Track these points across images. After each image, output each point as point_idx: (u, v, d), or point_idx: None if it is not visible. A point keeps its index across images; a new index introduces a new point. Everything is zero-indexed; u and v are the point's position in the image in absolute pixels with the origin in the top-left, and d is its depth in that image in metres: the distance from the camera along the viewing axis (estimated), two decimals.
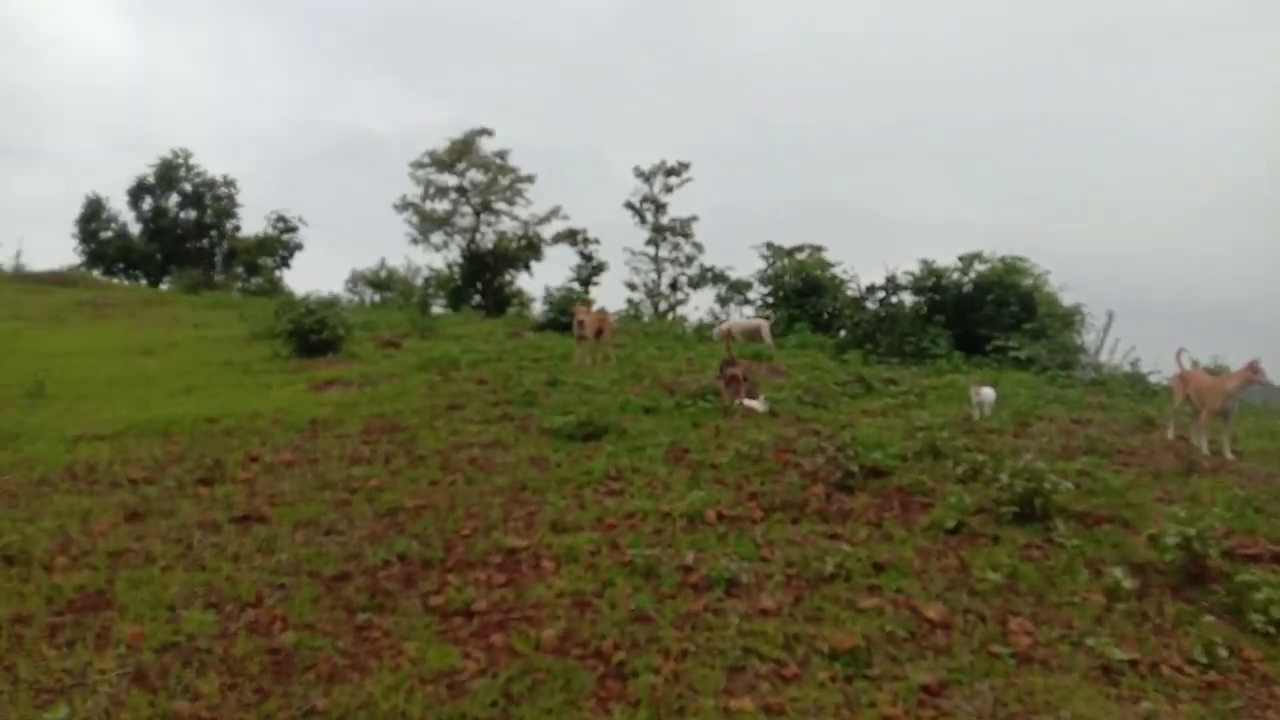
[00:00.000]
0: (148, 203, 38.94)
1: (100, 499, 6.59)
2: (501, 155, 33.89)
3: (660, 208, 33.78)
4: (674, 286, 33.77)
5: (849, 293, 21.82)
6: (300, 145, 76.42)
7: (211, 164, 43.00)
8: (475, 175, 33.98)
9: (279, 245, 38.89)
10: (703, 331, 20.72)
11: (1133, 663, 4.17)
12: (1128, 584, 4.95)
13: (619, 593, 4.86)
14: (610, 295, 41.29)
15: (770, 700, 3.80)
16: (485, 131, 33.68)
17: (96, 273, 38.03)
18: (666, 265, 33.84)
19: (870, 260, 42.96)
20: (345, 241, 66.80)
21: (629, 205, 33.80)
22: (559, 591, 4.91)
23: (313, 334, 15.43)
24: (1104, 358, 16.75)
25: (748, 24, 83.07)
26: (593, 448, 8.03)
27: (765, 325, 18.38)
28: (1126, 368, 16.07)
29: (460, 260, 34.64)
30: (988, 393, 9.96)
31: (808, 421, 9.39)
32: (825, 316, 21.72)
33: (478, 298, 34.14)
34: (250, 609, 4.70)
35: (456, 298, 34.03)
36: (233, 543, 5.64)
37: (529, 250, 34.64)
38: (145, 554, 5.42)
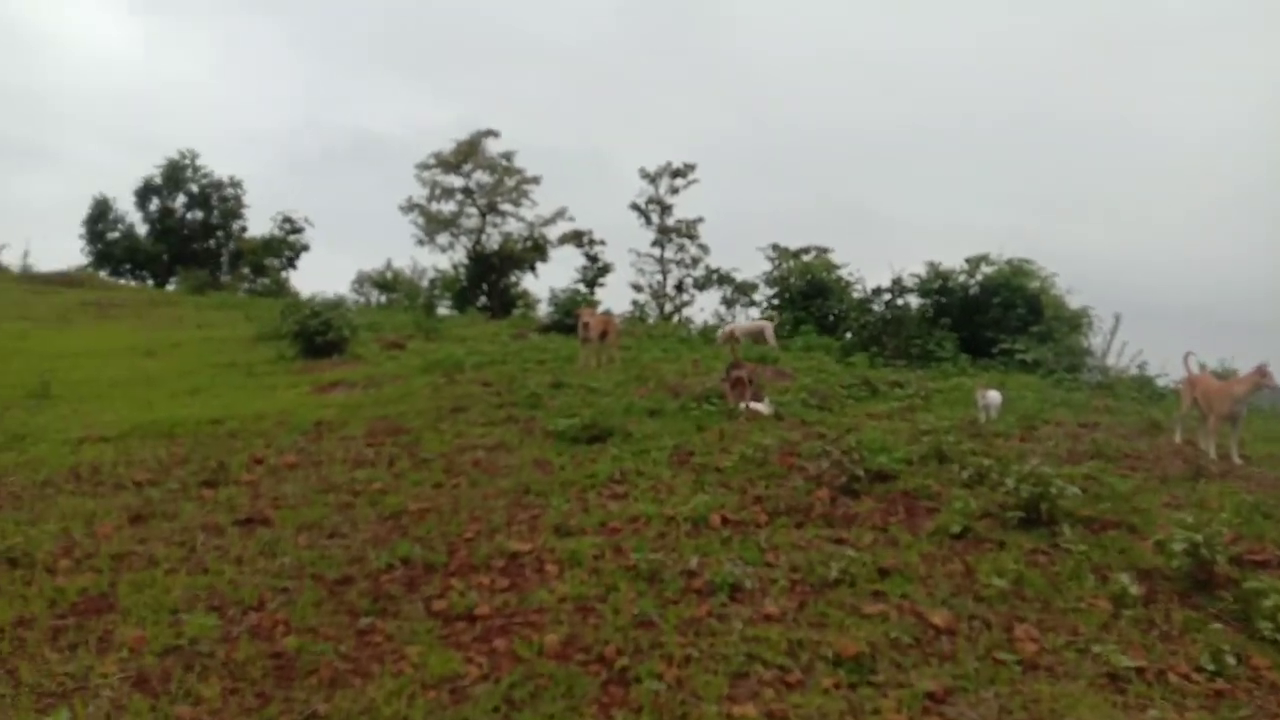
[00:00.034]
0: (154, 203, 39.09)
1: (104, 501, 6.59)
2: (507, 156, 33.99)
3: (666, 209, 33.74)
4: (679, 288, 33.72)
5: (855, 295, 21.77)
6: (306, 146, 76.55)
7: (218, 165, 42.90)
8: (481, 177, 34.10)
9: (285, 246, 38.97)
10: (707, 333, 20.69)
11: (1139, 670, 4.13)
12: (1134, 590, 4.91)
13: (622, 597, 4.84)
14: (616, 296, 41.19)
15: (774, 707, 3.78)
16: (491, 133, 33.79)
17: (103, 273, 38.14)
18: (672, 267, 33.79)
19: (876, 262, 43.02)
20: (351, 242, 66.98)
21: (634, 206, 33.77)
22: (562, 596, 4.89)
23: (318, 335, 15.45)
24: (1111, 361, 16.70)
25: (752, 25, 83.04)
26: (597, 451, 8.01)
27: (769, 327, 18.35)
28: (1134, 371, 15.99)
29: (466, 261, 34.73)
30: (994, 396, 9.91)
31: (813, 425, 9.36)
32: (831, 319, 21.67)
33: (483, 299, 34.18)
34: (252, 613, 4.69)
35: (462, 299, 34.06)
36: (235, 546, 5.64)
37: (534, 251, 34.70)
38: (148, 557, 5.42)
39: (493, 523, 6.10)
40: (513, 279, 35.48)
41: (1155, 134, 72.23)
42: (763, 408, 9.84)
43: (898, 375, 13.42)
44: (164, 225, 38.90)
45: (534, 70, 74.76)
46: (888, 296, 19.74)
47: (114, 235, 39.06)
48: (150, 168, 39.34)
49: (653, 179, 33.58)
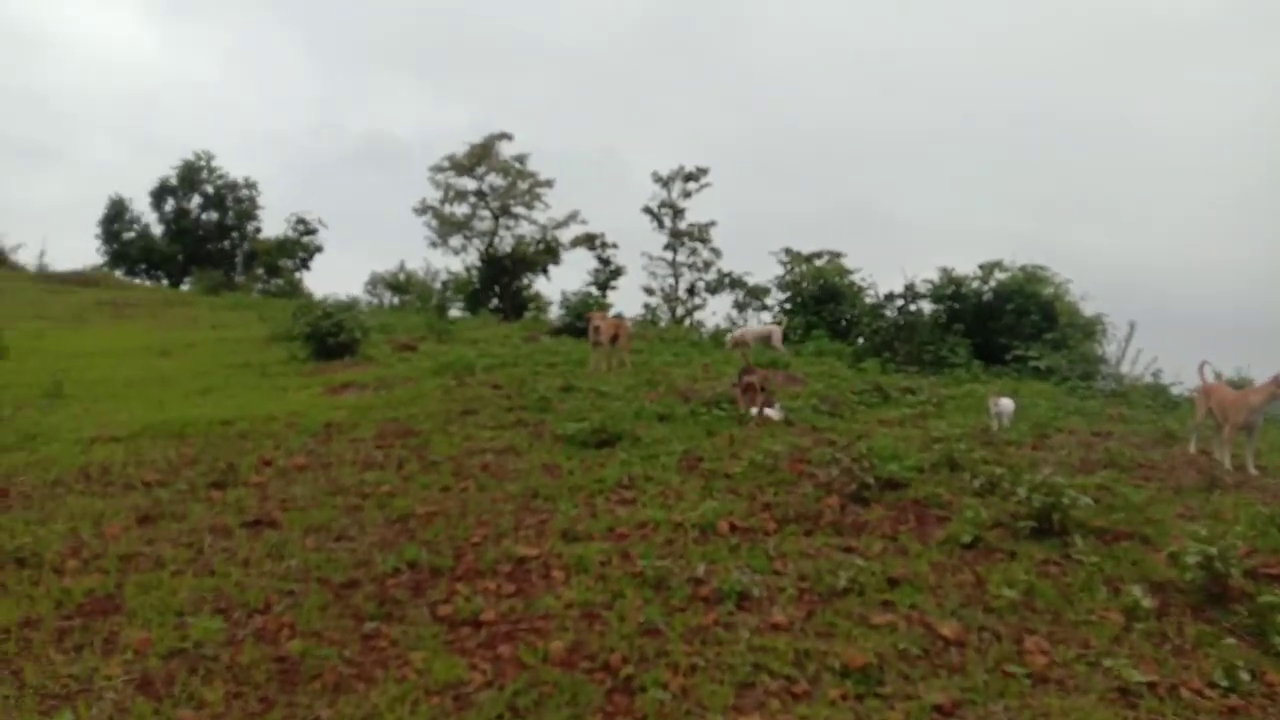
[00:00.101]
0: (170, 204, 39.40)
1: (113, 501, 6.61)
2: (520, 159, 34.08)
3: (678, 213, 33.76)
4: (691, 292, 33.74)
5: (867, 300, 21.72)
6: (321, 148, 76.84)
7: (233, 166, 43.48)
8: (494, 179, 34.19)
9: (299, 247, 39.17)
10: (718, 337, 20.66)
11: (1151, 685, 4.07)
12: (1147, 603, 4.85)
13: (629, 604, 4.80)
14: (628, 300, 41.26)
15: (779, 718, 3.75)
16: (505, 136, 33.89)
17: (119, 273, 38.46)
18: (684, 270, 33.82)
19: (889, 267, 42.82)
20: (365, 244, 67.29)
21: (647, 210, 33.81)
22: (568, 602, 4.86)
23: (330, 337, 15.49)
24: (1125, 369, 16.61)
25: (767, 29, 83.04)
26: (606, 455, 7.99)
27: (777, 331, 18.33)
28: (1148, 379, 15.91)
29: (478, 264, 34.80)
30: (1006, 404, 9.85)
31: (823, 431, 9.32)
32: (843, 324, 21.62)
33: (495, 301, 34.23)
34: (258, 616, 4.68)
35: (474, 301, 34.14)
36: (243, 548, 5.64)
37: (547, 254, 34.76)
38: (155, 558, 5.42)
39: (500, 527, 6.08)
40: (525, 281, 35.54)
41: (1176, 139, 71.86)
42: (774, 413, 9.80)
43: (910, 381, 13.35)
44: (179, 226, 39.20)
45: (548, 73, 75.20)
46: (901, 302, 19.67)
47: (130, 235, 39.40)
48: (166, 168, 39.74)
49: (665, 183, 33.62)
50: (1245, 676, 4.17)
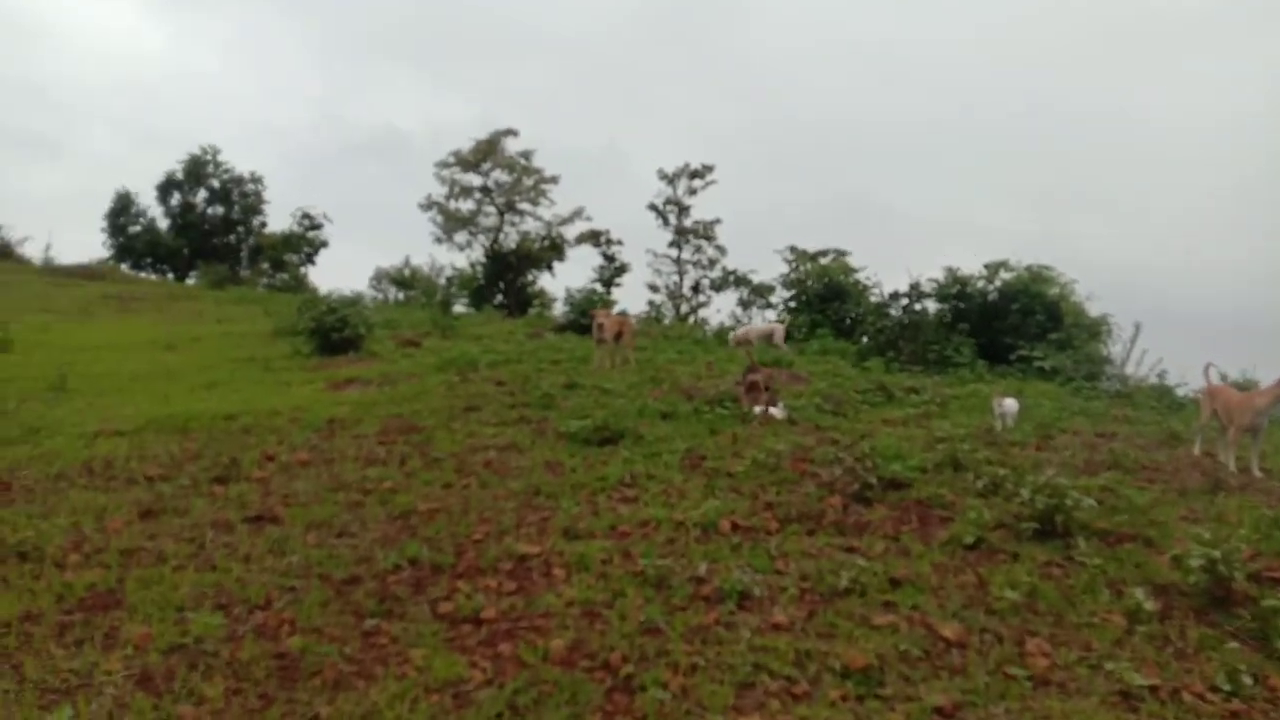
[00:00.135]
0: (176, 198, 39.44)
1: (116, 496, 6.61)
2: (526, 155, 34.12)
3: (683, 210, 33.75)
4: (696, 289, 33.75)
5: (872, 299, 21.68)
6: (326, 142, 76.94)
7: (239, 160, 43.39)
8: (500, 175, 34.22)
9: (304, 242, 39.22)
10: (722, 335, 20.65)
11: (1153, 688, 4.05)
12: (1149, 606, 4.83)
13: (629, 603, 4.80)
14: (632, 297, 41.29)
15: (779, 718, 3.73)
16: (510, 132, 33.91)
17: (124, 267, 38.52)
18: (689, 267, 33.84)
19: (895, 265, 42.82)
20: (371, 238, 67.37)
21: (652, 207, 33.83)
22: (569, 601, 4.85)
23: (334, 332, 15.51)
24: (1130, 369, 16.54)
25: (765, 19, 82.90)
26: (608, 453, 7.98)
27: (780, 329, 18.31)
28: (1153, 380, 15.84)
29: (483, 260, 34.82)
30: (1010, 404, 9.82)
31: (827, 430, 9.30)
32: (848, 322, 21.60)
33: (500, 297, 34.25)
34: (259, 611, 4.68)
35: (479, 297, 34.17)
36: (244, 543, 5.64)
37: (552, 251, 34.79)
38: (157, 553, 5.42)
39: (502, 524, 6.08)
40: (530, 278, 35.59)
41: (1184, 137, 71.59)
42: (777, 412, 9.79)
43: (914, 381, 13.33)
44: (185, 220, 39.26)
45: (548, 64, 75.36)
46: (905, 301, 19.62)
47: (135, 229, 39.45)
48: (166, 160, 39.91)
49: (670, 180, 33.63)
50: (1248, 680, 4.14)
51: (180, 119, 79.41)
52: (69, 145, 78.72)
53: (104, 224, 39.02)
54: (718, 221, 33.48)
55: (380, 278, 40.94)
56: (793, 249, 25.18)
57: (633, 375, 12.69)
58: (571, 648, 4.31)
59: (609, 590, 4.98)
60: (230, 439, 8.53)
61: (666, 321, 29.79)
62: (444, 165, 34.04)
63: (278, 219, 40.83)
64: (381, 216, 63.62)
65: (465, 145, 33.82)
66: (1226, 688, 4.10)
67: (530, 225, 34.86)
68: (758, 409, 9.77)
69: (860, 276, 23.01)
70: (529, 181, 34.22)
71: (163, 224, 39.72)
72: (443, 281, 37.72)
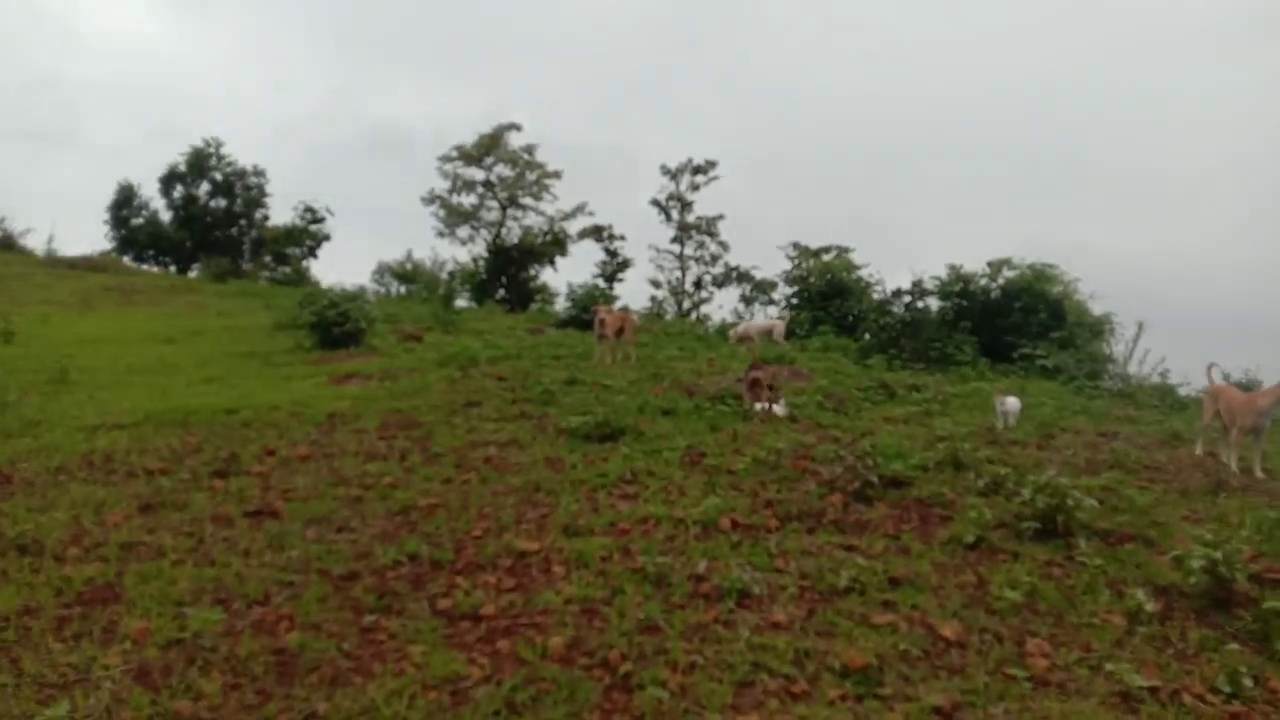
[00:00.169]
0: (179, 190, 39.34)
1: (115, 489, 6.61)
2: (529, 150, 34.02)
3: (686, 205, 33.70)
4: (698, 285, 33.70)
5: (874, 296, 21.64)
6: (330, 136, 76.78)
7: (242, 153, 43.37)
8: (502, 170, 34.16)
9: (306, 235, 39.15)
10: (723, 331, 20.63)
11: (1153, 690, 4.04)
12: (1150, 607, 4.82)
13: (629, 601, 4.79)
14: (634, 292, 41.32)
15: (778, 718, 3.73)
16: (514, 126, 33.83)
17: (126, 259, 38.48)
18: (691, 263, 33.79)
19: (897, 263, 42.75)
20: (373, 232, 67.35)
21: (655, 203, 33.77)
22: (568, 598, 4.84)
23: (335, 326, 15.50)
24: (1133, 369, 16.50)
25: (777, 23, 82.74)
26: (609, 449, 7.97)
27: (780, 326, 18.31)
28: (1155, 379, 15.81)
29: (485, 254, 34.78)
30: (1012, 402, 9.80)
31: (828, 428, 9.29)
32: (850, 320, 21.55)
33: (502, 292, 34.22)
34: (257, 607, 4.67)
35: (481, 292, 34.12)
36: (244, 538, 5.63)
37: (554, 246, 34.74)
38: (156, 547, 5.42)
39: (501, 521, 6.07)
40: (532, 273, 35.53)
41: (1185, 138, 71.52)
42: (779, 409, 9.78)
43: (915, 379, 13.31)
44: (188, 212, 39.17)
45: (559, 64, 75.09)
46: (908, 299, 19.60)
47: (138, 221, 39.38)
48: (173, 154, 39.75)
49: (673, 175, 33.57)
50: (1248, 682, 4.13)
51: (188, 113, 79.20)
52: (75, 138, 78.70)
53: (107, 216, 39.02)
54: (720, 217, 33.46)
55: (382, 271, 40.87)
56: (795, 245, 25.12)
57: (634, 371, 12.67)
58: (570, 645, 4.30)
59: (608, 587, 4.97)
60: (230, 433, 8.52)
61: (668, 317, 29.76)
62: (447, 159, 33.99)
63: (281, 212, 40.82)
64: (384, 211, 63.68)
65: (469, 140, 33.79)
66: (1227, 689, 4.09)
67: (533, 220, 34.81)
68: (760, 406, 9.76)
69: (863, 273, 22.97)
70: (532, 176, 34.16)
71: (165, 216, 39.68)
72: (445, 276, 37.68)
